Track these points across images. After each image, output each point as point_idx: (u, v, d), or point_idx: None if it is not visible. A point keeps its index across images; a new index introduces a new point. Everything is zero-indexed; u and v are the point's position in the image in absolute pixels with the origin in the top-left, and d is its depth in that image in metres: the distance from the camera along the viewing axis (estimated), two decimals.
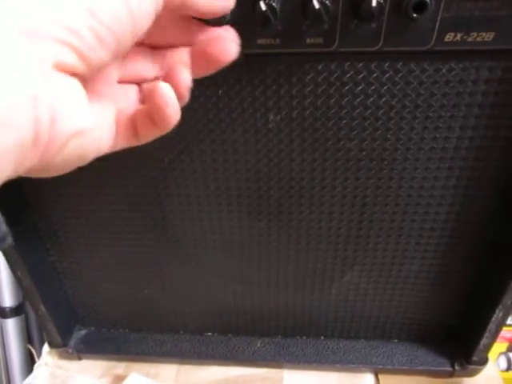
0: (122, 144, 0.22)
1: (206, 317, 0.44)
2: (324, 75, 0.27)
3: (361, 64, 0.27)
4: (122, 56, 0.20)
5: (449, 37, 0.24)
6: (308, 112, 0.29)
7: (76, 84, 0.18)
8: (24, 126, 0.15)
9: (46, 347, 0.48)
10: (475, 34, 0.24)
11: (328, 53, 0.25)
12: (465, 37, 0.24)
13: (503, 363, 0.60)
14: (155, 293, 0.42)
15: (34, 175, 0.19)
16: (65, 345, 0.45)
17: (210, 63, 0.22)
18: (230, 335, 0.45)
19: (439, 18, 0.23)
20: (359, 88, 0.27)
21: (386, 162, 0.30)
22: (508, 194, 0.31)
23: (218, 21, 0.21)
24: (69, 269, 0.41)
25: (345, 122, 0.29)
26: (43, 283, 0.40)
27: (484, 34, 0.24)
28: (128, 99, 0.22)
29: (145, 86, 0.23)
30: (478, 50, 0.25)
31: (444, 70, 0.26)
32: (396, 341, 0.44)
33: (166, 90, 0.20)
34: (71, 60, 0.16)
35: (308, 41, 0.25)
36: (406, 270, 0.37)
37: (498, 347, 0.59)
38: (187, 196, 0.34)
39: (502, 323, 0.37)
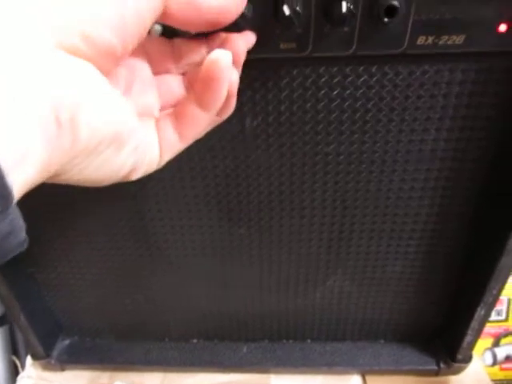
0: (168, 154, 0.22)
1: (191, 323, 0.44)
2: (299, 80, 0.27)
3: (335, 68, 0.27)
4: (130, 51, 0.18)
5: (421, 40, 0.24)
6: (284, 117, 0.28)
7: (93, 72, 0.16)
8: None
9: (29, 359, 0.47)
10: (446, 37, 0.24)
11: (302, 58, 0.25)
12: (436, 40, 0.24)
13: (489, 358, 0.60)
14: (138, 300, 0.42)
15: (73, 182, 0.18)
16: (47, 356, 0.44)
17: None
18: (215, 341, 0.45)
19: (410, 22, 0.23)
20: (335, 92, 0.27)
21: (364, 165, 0.30)
22: (485, 195, 0.31)
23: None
24: (48, 279, 0.40)
25: (322, 126, 0.29)
26: (23, 293, 0.39)
27: (455, 37, 0.24)
28: (172, 92, 0.22)
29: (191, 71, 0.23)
30: (450, 53, 0.25)
31: (418, 73, 0.26)
32: (382, 341, 0.44)
33: (221, 54, 0.19)
34: (73, 40, 0.15)
35: (281, 46, 0.25)
36: (388, 272, 0.37)
37: (484, 343, 0.60)
38: (166, 203, 0.33)
39: (484, 321, 0.38)
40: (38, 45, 0.14)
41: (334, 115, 0.28)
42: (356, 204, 0.33)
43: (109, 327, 0.45)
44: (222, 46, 0.22)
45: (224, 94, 0.20)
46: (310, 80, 0.27)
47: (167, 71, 0.23)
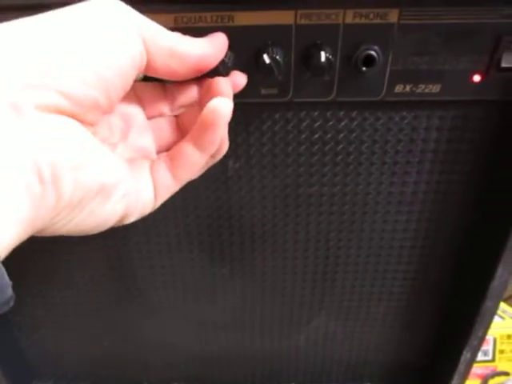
0: (162, 196, 0.22)
1: (172, 366, 0.42)
2: (281, 124, 0.27)
3: (317, 113, 0.27)
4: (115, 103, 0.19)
5: (398, 88, 0.25)
6: (267, 159, 0.29)
7: (76, 128, 0.16)
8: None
9: None
10: (423, 86, 0.25)
11: (284, 103, 0.26)
12: (413, 88, 0.25)
13: None
14: (117, 343, 0.40)
15: (60, 233, 0.18)
16: None
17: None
18: None
19: (388, 71, 0.24)
20: (316, 135, 0.28)
21: (346, 207, 0.31)
22: (468, 238, 0.32)
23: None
24: (23, 322, 0.38)
25: (303, 168, 0.29)
26: None
27: (431, 85, 0.25)
28: (166, 134, 0.23)
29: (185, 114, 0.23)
30: (427, 100, 0.25)
31: (397, 119, 0.27)
32: None
33: (220, 102, 0.19)
34: (53, 99, 0.15)
35: (263, 92, 0.25)
36: (373, 313, 0.37)
37: None
38: (146, 243, 0.33)
39: (470, 364, 0.37)
40: (13, 106, 0.14)
41: (315, 158, 0.28)
42: (339, 245, 0.32)
43: (85, 371, 0.43)
44: (209, 89, 0.22)
45: (220, 137, 0.20)
46: (291, 124, 0.27)
47: (161, 114, 0.23)
